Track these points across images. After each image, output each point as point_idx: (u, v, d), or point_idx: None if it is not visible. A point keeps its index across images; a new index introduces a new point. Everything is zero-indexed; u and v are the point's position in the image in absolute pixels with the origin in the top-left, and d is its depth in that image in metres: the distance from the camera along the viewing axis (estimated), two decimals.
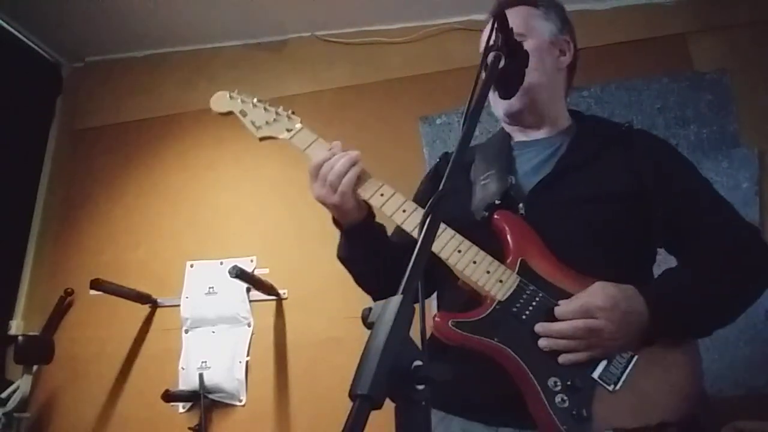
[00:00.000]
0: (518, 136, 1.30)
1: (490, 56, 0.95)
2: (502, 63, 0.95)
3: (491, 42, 0.96)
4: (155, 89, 2.92)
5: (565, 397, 0.93)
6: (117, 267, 2.59)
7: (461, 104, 2.22)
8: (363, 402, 0.51)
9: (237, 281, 2.33)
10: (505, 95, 1.09)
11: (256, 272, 2.44)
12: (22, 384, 2.35)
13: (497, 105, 1.26)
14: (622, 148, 1.18)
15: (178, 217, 2.68)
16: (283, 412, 2.30)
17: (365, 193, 1.10)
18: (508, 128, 1.33)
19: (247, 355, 2.39)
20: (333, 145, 1.16)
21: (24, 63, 2.90)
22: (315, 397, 2.27)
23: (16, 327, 2.61)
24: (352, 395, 0.52)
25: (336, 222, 1.17)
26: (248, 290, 2.46)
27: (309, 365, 2.34)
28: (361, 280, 1.26)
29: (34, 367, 2.44)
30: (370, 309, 0.61)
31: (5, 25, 2.75)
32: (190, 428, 2.17)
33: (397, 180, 1.48)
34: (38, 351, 2.39)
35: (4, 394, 2.33)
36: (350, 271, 1.24)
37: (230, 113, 1.25)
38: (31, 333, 2.53)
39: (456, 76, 2.45)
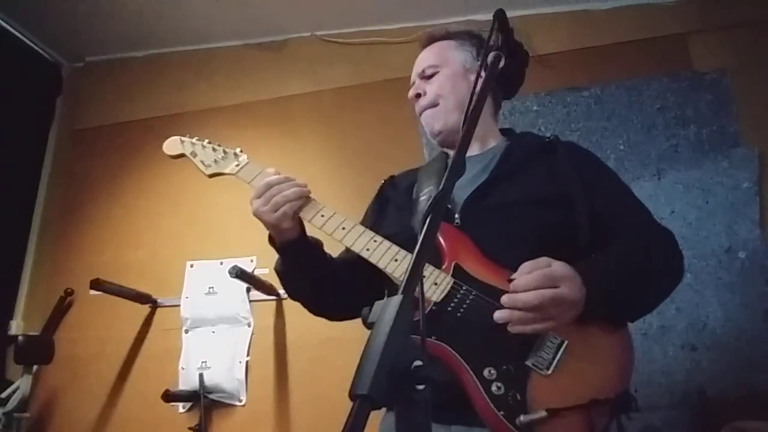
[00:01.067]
0: (452, 153, 1.35)
1: (490, 56, 0.95)
2: (502, 63, 0.95)
3: (491, 42, 0.97)
4: (155, 89, 2.92)
5: (501, 385, 0.99)
6: (117, 267, 2.59)
7: None
8: (363, 402, 0.51)
9: (237, 281, 2.33)
10: (506, 95, 1.11)
11: (256, 272, 2.44)
12: (22, 384, 2.35)
13: (425, 127, 1.41)
14: (548, 157, 1.26)
15: (178, 217, 2.68)
16: (283, 412, 2.30)
17: (306, 215, 1.20)
18: (444, 149, 1.44)
19: (247, 355, 2.39)
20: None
21: (24, 63, 2.90)
22: (315, 397, 2.27)
23: (16, 327, 2.61)
24: (352, 395, 0.52)
25: (271, 239, 1.25)
26: (248, 290, 2.46)
27: (309, 365, 2.34)
28: (292, 293, 1.33)
29: (34, 367, 2.44)
30: (370, 309, 0.61)
31: (5, 25, 2.75)
32: (190, 428, 2.17)
33: None
34: (38, 351, 2.39)
35: (4, 394, 2.33)
36: (283, 284, 1.32)
37: (182, 155, 1.38)
38: (31, 333, 2.53)
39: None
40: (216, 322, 2.46)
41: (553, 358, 1.01)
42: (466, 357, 1.01)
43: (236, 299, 2.46)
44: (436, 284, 1.08)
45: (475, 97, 0.90)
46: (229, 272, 2.17)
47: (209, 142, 1.35)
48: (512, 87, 1.41)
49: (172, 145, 1.39)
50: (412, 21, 2.70)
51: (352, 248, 1.15)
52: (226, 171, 1.30)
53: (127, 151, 2.85)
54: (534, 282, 0.97)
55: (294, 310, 2.44)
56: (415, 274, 0.63)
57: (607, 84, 2.44)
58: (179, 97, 2.87)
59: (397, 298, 0.59)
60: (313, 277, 1.25)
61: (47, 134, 2.97)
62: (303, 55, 2.84)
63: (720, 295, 2.10)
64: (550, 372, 1.00)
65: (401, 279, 1.04)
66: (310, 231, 1.25)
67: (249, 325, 2.43)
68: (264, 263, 2.50)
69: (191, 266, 2.57)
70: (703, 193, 2.23)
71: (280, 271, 1.29)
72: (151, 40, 2.92)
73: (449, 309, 1.06)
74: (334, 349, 2.29)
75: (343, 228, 1.17)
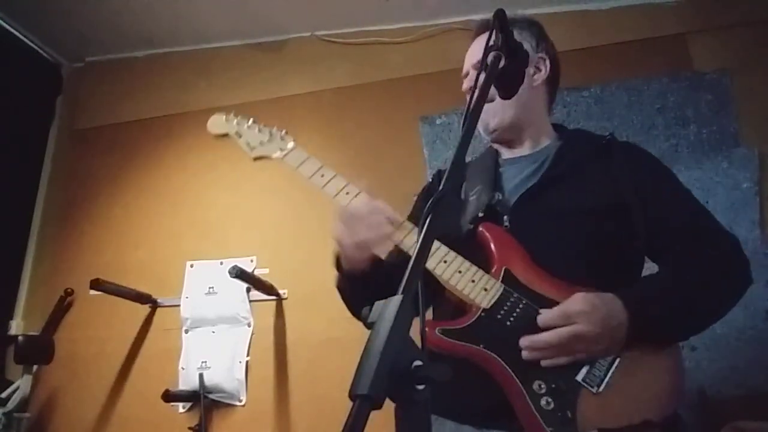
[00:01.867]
0: (505, 152, 1.34)
1: (490, 56, 0.95)
2: (502, 63, 0.95)
3: (491, 42, 0.96)
4: (155, 89, 2.92)
5: (550, 400, 0.96)
6: (117, 267, 2.59)
7: (461, 104, 2.22)
8: (363, 402, 0.51)
9: (237, 281, 2.33)
10: (506, 95, 1.10)
11: (256, 272, 2.44)
12: (22, 384, 2.35)
13: (479, 124, 1.29)
14: (604, 161, 1.21)
15: (178, 217, 2.68)
16: (283, 412, 2.30)
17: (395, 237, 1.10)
18: (495, 145, 1.37)
19: (247, 355, 2.39)
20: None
21: (24, 63, 2.90)
22: (315, 397, 2.27)
23: (16, 327, 2.61)
24: (352, 395, 0.52)
25: (337, 260, 1.19)
26: (248, 290, 2.46)
27: (309, 365, 2.34)
28: (355, 309, 1.27)
29: (34, 367, 2.44)
30: (370, 309, 0.61)
31: (5, 25, 2.75)
32: (190, 428, 2.17)
33: (397, 180, 1.49)
34: (38, 351, 2.39)
35: (4, 394, 2.33)
36: (345, 303, 1.26)
37: (226, 135, 1.29)
38: (31, 333, 2.53)
39: (456, 76, 2.42)
40: (216, 322, 2.45)
41: (605, 376, 0.98)
42: (515, 368, 0.98)
43: (236, 299, 2.46)
44: (486, 290, 1.05)
45: (475, 98, 0.89)
46: (229, 272, 2.17)
47: (254, 122, 1.28)
48: (512, 87, 1.39)
49: (216, 122, 1.29)
50: (412, 21, 2.70)
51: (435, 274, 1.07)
52: (273, 155, 1.23)
53: (127, 151, 2.84)
54: (552, 321, 0.98)
55: (294, 310, 2.45)
56: (415, 274, 0.63)
57: (607, 84, 2.44)
58: (179, 97, 2.87)
59: (397, 298, 0.59)
60: (377, 296, 1.19)
61: (47, 134, 2.97)
62: (303, 55, 2.83)
63: None
64: (601, 390, 0.97)
65: (449, 281, 1.04)
66: None
67: (249, 325, 2.43)
68: (264, 263, 2.50)
69: (191, 266, 2.57)
70: (703, 193, 2.23)
71: (345, 291, 1.24)
72: (152, 40, 2.92)
73: (498, 317, 1.03)
74: (334, 349, 2.29)
75: (445, 261, 1.08)
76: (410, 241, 1.11)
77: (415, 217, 1.26)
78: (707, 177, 2.25)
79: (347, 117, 2.69)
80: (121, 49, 2.99)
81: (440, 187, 0.75)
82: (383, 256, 1.14)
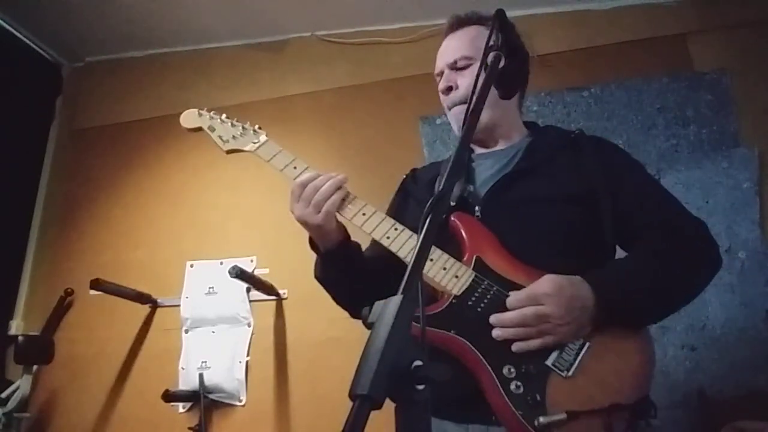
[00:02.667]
0: (478, 149, 1.36)
1: (490, 56, 0.95)
2: (502, 63, 0.95)
3: (491, 42, 0.96)
4: (155, 89, 2.92)
5: (520, 384, 0.97)
6: (117, 267, 2.59)
7: None
8: (363, 402, 0.51)
9: (237, 281, 2.33)
10: (505, 95, 1.10)
11: (256, 272, 2.44)
12: (22, 384, 2.35)
13: (454, 124, 1.33)
14: (573, 153, 1.23)
15: (178, 217, 2.68)
16: (283, 412, 2.30)
17: (348, 213, 1.14)
18: (471, 146, 1.38)
19: (247, 355, 2.39)
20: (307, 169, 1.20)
21: (24, 63, 2.90)
22: (315, 397, 2.27)
23: (16, 327, 2.61)
24: (352, 395, 0.52)
25: (312, 244, 1.21)
26: (248, 290, 2.46)
27: (309, 365, 2.34)
28: (340, 299, 1.29)
29: (34, 367, 2.44)
30: (370, 309, 0.61)
31: (5, 25, 2.75)
32: (190, 428, 2.17)
33: (397, 180, 1.49)
34: (38, 351, 2.39)
35: (4, 394, 2.33)
36: (328, 291, 1.28)
37: (199, 129, 1.31)
38: (31, 333, 2.53)
39: None
40: (216, 322, 2.45)
41: (574, 360, 1.00)
42: (484, 353, 0.99)
43: (236, 299, 2.46)
44: (456, 277, 1.06)
45: (475, 99, 0.89)
46: (229, 272, 2.17)
47: (227, 117, 1.31)
48: (512, 87, 1.39)
49: (189, 117, 1.32)
50: (412, 21, 2.70)
51: (398, 253, 1.10)
52: (245, 148, 1.25)
53: (127, 151, 2.85)
54: (518, 302, 1.00)
55: (294, 310, 2.45)
56: (415, 273, 0.63)
57: (607, 84, 2.44)
58: (179, 97, 2.87)
59: (397, 298, 0.59)
60: (358, 282, 1.21)
61: (47, 134, 2.97)
62: (303, 55, 2.84)
63: (720, 295, 2.10)
64: (570, 374, 0.98)
65: (435, 279, 1.05)
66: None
67: (249, 325, 2.43)
68: (264, 263, 2.50)
69: (191, 266, 2.57)
70: (703, 193, 2.23)
71: (323, 278, 1.25)
72: (151, 40, 2.92)
73: (469, 303, 1.04)
74: (334, 349, 2.29)
75: (396, 229, 1.12)
76: (363, 221, 1.12)
77: (392, 214, 1.28)
78: (707, 177, 2.25)
79: (347, 117, 2.69)
80: (121, 49, 2.99)
81: (440, 187, 0.75)
82: (349, 218, 1.14)
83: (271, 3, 2.65)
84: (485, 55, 0.96)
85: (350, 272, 1.21)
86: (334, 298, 1.29)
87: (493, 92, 1.23)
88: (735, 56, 2.38)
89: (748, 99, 2.31)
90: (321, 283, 1.27)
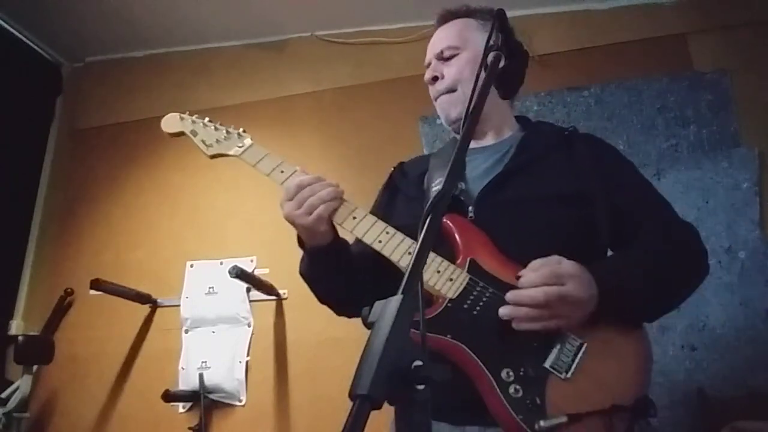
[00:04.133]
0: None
1: (490, 56, 0.95)
2: (502, 63, 0.95)
3: (491, 42, 0.96)
4: (155, 89, 2.92)
5: (519, 387, 0.95)
6: (117, 267, 2.59)
7: None
8: (363, 402, 0.51)
9: (237, 281, 2.33)
10: (505, 95, 1.11)
11: (256, 272, 2.44)
12: (22, 384, 2.35)
13: (440, 114, 1.32)
14: (566, 151, 1.21)
15: (178, 217, 2.68)
16: (283, 412, 2.30)
17: (338, 218, 1.13)
18: (457, 136, 1.36)
19: (247, 355, 2.39)
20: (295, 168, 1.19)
21: (24, 63, 2.90)
22: (315, 397, 2.27)
23: (16, 327, 2.61)
24: (352, 395, 0.52)
25: (300, 241, 1.20)
26: (248, 290, 2.46)
27: (309, 365, 2.34)
28: (324, 297, 1.28)
29: (34, 367, 2.44)
30: (370, 309, 0.61)
31: (5, 25, 2.75)
32: (190, 428, 2.17)
33: None
34: (38, 351, 2.39)
35: (4, 394, 2.33)
36: (311, 288, 1.27)
37: (181, 134, 1.28)
38: (31, 333, 2.53)
39: None
40: (216, 322, 2.45)
41: (573, 361, 0.98)
42: (482, 357, 0.97)
43: (236, 299, 2.46)
44: (451, 280, 1.04)
45: (475, 98, 0.89)
46: (229, 272, 2.17)
47: (210, 121, 1.28)
48: (512, 87, 1.39)
49: (170, 122, 1.28)
50: (412, 21, 2.70)
51: (390, 257, 1.08)
52: (230, 153, 1.22)
53: (127, 151, 2.85)
54: (540, 279, 0.96)
55: (294, 310, 2.45)
56: (415, 274, 0.63)
57: (607, 84, 2.44)
58: (179, 97, 2.87)
59: (397, 298, 0.59)
60: (343, 281, 1.20)
61: (47, 134, 2.97)
62: (303, 55, 2.84)
63: (720, 295, 2.10)
64: (569, 375, 0.97)
65: (429, 283, 1.03)
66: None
67: (249, 325, 2.43)
68: (264, 263, 2.50)
69: (191, 266, 2.57)
70: (703, 193, 2.23)
71: (308, 276, 1.24)
72: (151, 40, 2.92)
73: (465, 306, 1.02)
74: (334, 349, 2.29)
75: (387, 232, 1.10)
76: (354, 225, 1.11)
77: (377, 211, 1.28)
78: (707, 177, 2.25)
79: (347, 117, 2.69)
80: (121, 49, 2.99)
81: (441, 188, 0.75)
82: (340, 222, 1.13)
83: (271, 3, 2.65)
84: (485, 54, 0.96)
85: (336, 270, 1.19)
86: (317, 295, 1.28)
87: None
88: (735, 56, 2.38)
89: (748, 99, 2.31)
90: (305, 279, 1.25)
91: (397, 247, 1.08)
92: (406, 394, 0.55)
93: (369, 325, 0.59)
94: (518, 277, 0.99)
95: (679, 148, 2.32)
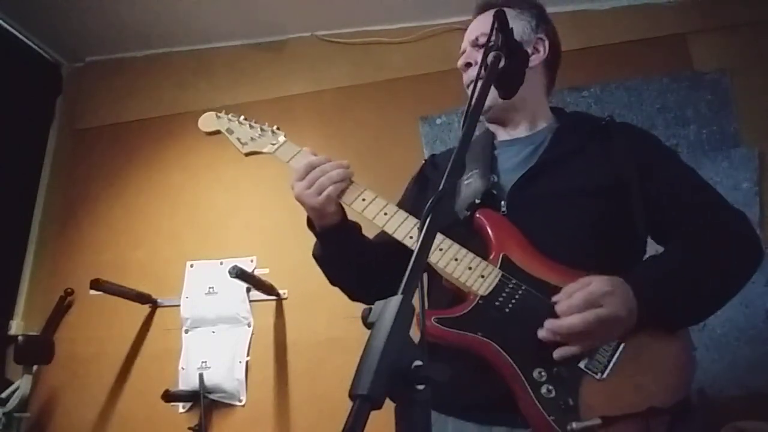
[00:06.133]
0: (501, 134, 1.32)
1: (490, 56, 0.95)
2: (502, 63, 0.95)
3: (491, 42, 0.96)
4: (155, 89, 2.92)
5: (551, 387, 0.93)
6: (117, 267, 2.59)
7: (461, 104, 2.22)
8: (363, 402, 0.51)
9: (237, 281, 2.33)
10: (506, 95, 1.10)
11: (256, 272, 2.44)
12: (22, 384, 2.35)
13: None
14: (603, 142, 1.18)
15: (178, 217, 2.68)
16: (283, 412, 2.30)
17: (347, 199, 1.14)
18: (491, 127, 1.34)
19: (247, 355, 2.39)
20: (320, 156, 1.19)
21: (24, 63, 2.90)
22: (315, 397, 2.27)
23: (16, 327, 2.61)
24: (352, 395, 0.52)
25: (310, 223, 1.20)
26: (248, 290, 2.46)
27: (309, 365, 2.34)
28: (335, 280, 1.27)
29: (34, 367, 2.44)
30: (370, 309, 0.61)
31: (5, 25, 2.75)
32: (190, 428, 2.17)
33: (397, 180, 1.48)
34: (38, 351, 2.39)
35: (4, 394, 2.33)
36: (324, 271, 1.26)
37: (217, 132, 1.30)
38: (31, 333, 2.53)
39: (456, 76, 2.42)
40: (216, 322, 2.45)
41: (609, 362, 0.95)
42: (514, 356, 0.95)
43: (236, 299, 2.46)
44: (482, 277, 1.02)
45: (475, 98, 0.89)
46: (229, 272, 2.17)
47: (245, 119, 1.29)
48: (512, 87, 1.38)
49: (207, 120, 1.30)
50: (412, 21, 2.70)
51: (394, 235, 1.09)
52: (264, 150, 1.23)
53: (127, 151, 2.84)
54: (576, 306, 0.93)
55: (294, 310, 2.45)
56: (415, 274, 0.63)
57: (607, 84, 2.44)
58: (179, 97, 2.87)
59: (397, 298, 0.59)
60: (353, 263, 1.20)
61: (47, 134, 2.97)
62: (303, 55, 2.83)
63: None
64: (605, 376, 0.94)
65: (445, 269, 1.03)
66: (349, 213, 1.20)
67: (249, 325, 2.43)
68: (264, 263, 2.50)
69: (191, 266, 2.57)
70: None
71: (319, 257, 1.23)
72: (151, 40, 2.92)
73: (497, 304, 1.00)
74: (334, 349, 2.29)
75: (386, 213, 1.11)
76: (363, 207, 1.11)
77: (405, 202, 1.28)
78: (707, 177, 2.19)
79: (347, 117, 2.69)
80: (121, 49, 2.99)
81: (440, 187, 0.75)
82: (349, 203, 1.13)
83: (271, 3, 2.65)
84: (485, 55, 0.96)
85: (344, 252, 1.19)
86: (327, 276, 1.27)
87: None
88: (735, 56, 2.38)
89: (748, 99, 2.31)
90: (317, 262, 1.25)
91: (400, 226, 1.08)
92: (406, 394, 0.55)
93: (369, 325, 0.59)
94: (553, 303, 0.96)
95: (679, 148, 2.32)
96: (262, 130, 1.26)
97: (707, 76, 2.37)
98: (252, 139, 1.25)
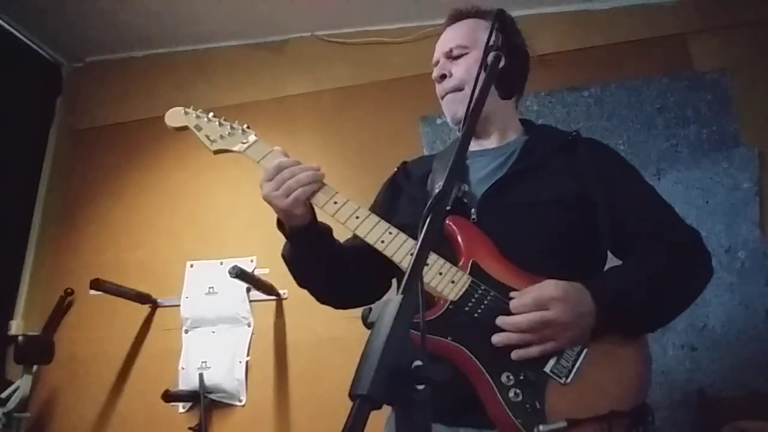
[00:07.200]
0: (472, 145, 1.33)
1: (490, 56, 0.95)
2: (502, 63, 0.95)
3: (491, 42, 0.96)
4: (155, 89, 2.92)
5: (519, 391, 0.96)
6: (117, 267, 2.59)
7: None
8: (363, 402, 0.51)
9: (237, 281, 2.33)
10: (505, 95, 1.10)
11: (256, 272, 2.44)
12: (22, 384, 2.35)
13: (446, 112, 1.31)
14: (569, 155, 1.22)
15: (178, 217, 2.68)
16: (283, 412, 2.30)
17: (318, 201, 1.13)
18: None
19: (247, 355, 2.39)
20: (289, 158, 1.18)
21: (24, 63, 2.90)
22: (315, 397, 2.27)
23: (16, 327, 2.61)
24: (352, 395, 0.52)
25: (280, 224, 1.21)
26: (248, 290, 2.46)
27: (309, 365, 2.34)
28: (303, 281, 1.28)
29: (34, 367, 2.44)
30: (370, 309, 0.61)
31: (5, 25, 2.75)
32: (190, 428, 2.17)
33: None
34: (38, 351, 2.39)
35: (4, 394, 2.33)
36: (292, 272, 1.26)
37: (185, 128, 1.27)
38: (31, 333, 2.53)
39: None
40: (216, 322, 2.45)
41: (573, 367, 0.99)
42: (482, 360, 0.98)
43: (236, 299, 2.46)
44: (453, 282, 1.04)
45: (474, 99, 0.89)
46: (229, 272, 2.17)
47: (215, 116, 1.26)
48: (512, 87, 1.38)
49: (174, 116, 1.28)
50: (412, 21, 2.70)
51: (365, 239, 1.10)
52: (234, 149, 1.21)
53: (127, 151, 2.85)
54: (525, 306, 0.98)
55: (294, 310, 2.45)
56: (415, 274, 0.63)
57: (607, 84, 2.44)
58: (179, 97, 2.84)
59: (397, 298, 0.59)
60: (322, 265, 1.20)
61: (47, 134, 2.98)
62: (303, 55, 2.84)
63: (720, 295, 2.10)
64: (569, 380, 0.98)
65: (431, 285, 1.03)
66: (320, 216, 1.20)
67: (249, 325, 2.43)
68: (264, 263, 2.50)
69: (191, 266, 2.57)
70: (703, 193, 2.23)
71: (288, 257, 1.24)
72: (151, 40, 2.92)
73: (466, 309, 1.02)
74: (334, 349, 2.29)
75: (357, 217, 1.11)
76: (335, 210, 1.11)
77: (377, 207, 1.29)
78: (707, 177, 2.25)
79: (347, 117, 2.69)
80: (121, 49, 2.99)
81: (440, 187, 0.75)
82: (320, 206, 1.13)
83: (271, 3, 2.65)
84: (485, 55, 0.96)
85: (316, 252, 1.19)
86: (294, 277, 1.27)
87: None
88: (735, 56, 2.38)
89: (748, 99, 2.31)
90: (286, 263, 1.25)
91: (399, 249, 1.08)
92: (406, 394, 0.55)
93: (369, 326, 0.59)
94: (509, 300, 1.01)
95: (679, 148, 2.32)
96: (232, 128, 1.23)
97: (707, 76, 2.37)
98: (221, 137, 1.23)
